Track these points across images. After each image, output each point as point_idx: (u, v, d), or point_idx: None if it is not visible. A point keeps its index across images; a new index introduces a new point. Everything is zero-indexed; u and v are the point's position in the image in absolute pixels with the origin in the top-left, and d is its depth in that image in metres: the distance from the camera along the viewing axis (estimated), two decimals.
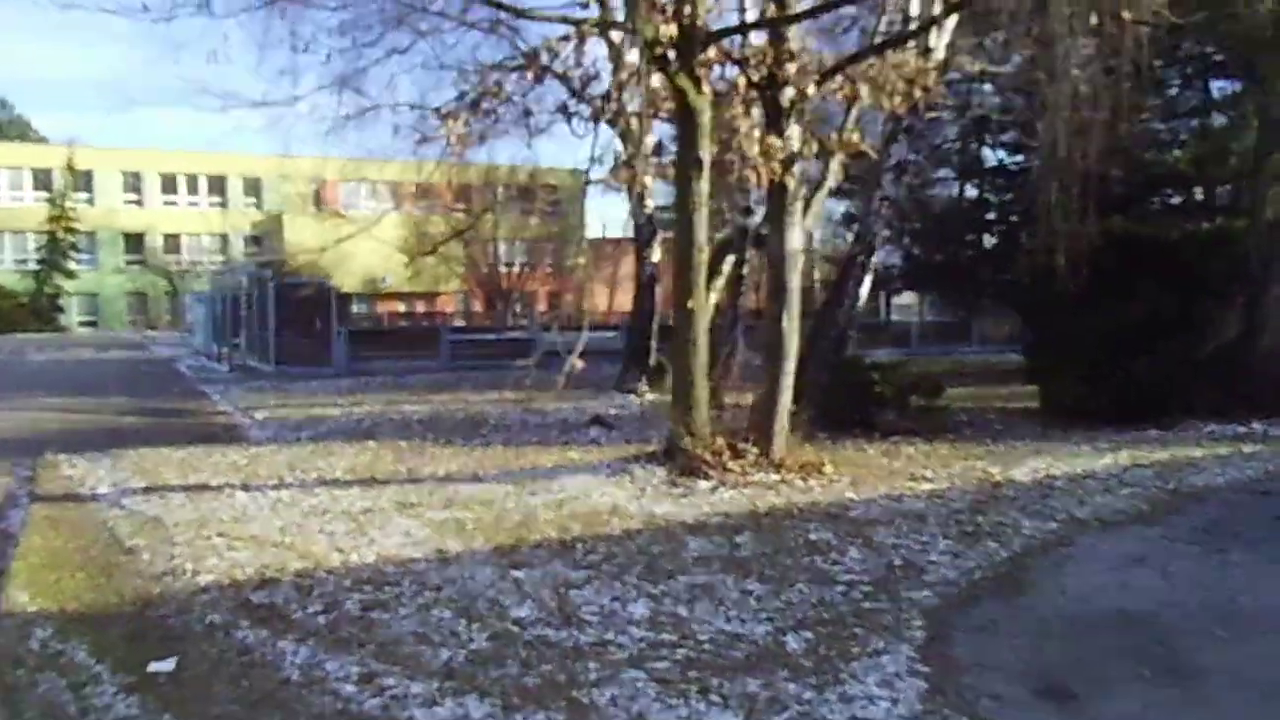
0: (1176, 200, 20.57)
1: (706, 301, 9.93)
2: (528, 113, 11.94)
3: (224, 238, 55.00)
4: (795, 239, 9.87)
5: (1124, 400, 13.09)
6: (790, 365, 10.07)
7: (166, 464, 12.39)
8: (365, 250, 42.02)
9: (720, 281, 17.89)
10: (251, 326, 28.10)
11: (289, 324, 26.94)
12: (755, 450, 9.97)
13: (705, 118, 9.31)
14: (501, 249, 46.39)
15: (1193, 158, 18.87)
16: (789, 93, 9.29)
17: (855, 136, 9.17)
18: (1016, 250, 14.74)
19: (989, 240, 24.47)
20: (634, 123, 17.58)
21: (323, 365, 26.22)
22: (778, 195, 9.57)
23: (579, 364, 10.26)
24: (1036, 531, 8.07)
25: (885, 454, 11.49)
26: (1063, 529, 8.18)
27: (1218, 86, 20.86)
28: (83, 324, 54.47)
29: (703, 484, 9.54)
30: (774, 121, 9.32)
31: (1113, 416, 12.99)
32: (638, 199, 18.07)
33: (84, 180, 53.76)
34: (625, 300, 57.74)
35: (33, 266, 53.32)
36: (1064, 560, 7.28)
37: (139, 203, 55.15)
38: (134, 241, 55.42)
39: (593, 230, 49.79)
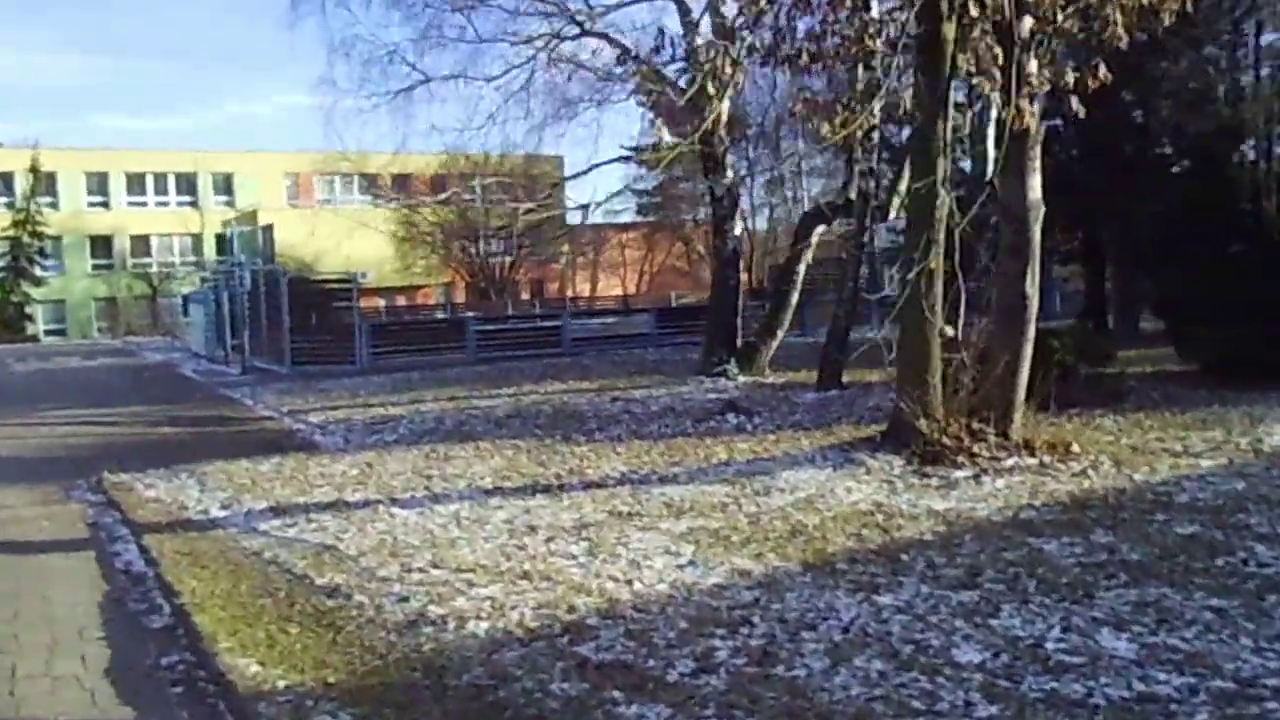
0: None
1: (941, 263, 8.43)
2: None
3: (196, 237, 52.29)
4: (1036, 187, 8.41)
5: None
6: (1032, 333, 8.62)
7: (263, 479, 10.71)
8: (343, 246, 40.11)
9: (809, 253, 16.52)
10: (258, 325, 26.05)
11: (301, 321, 25.00)
12: (992, 431, 8.54)
13: (948, 49, 7.84)
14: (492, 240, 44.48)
15: None
16: (1028, 22, 7.83)
17: (1104, 71, 7.73)
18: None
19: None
20: (710, 86, 16.08)
21: (342, 363, 24.30)
22: (1017, 140, 8.11)
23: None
24: None
25: (1099, 428, 10.10)
26: None
27: None
28: (49, 332, 51.45)
29: (959, 473, 8.09)
30: (1008, 56, 7.86)
31: (1266, 374, 11.80)
32: (717, 168, 16.56)
33: (47, 183, 50.67)
34: (609, 286, 56.35)
35: None
36: None
37: (105, 204, 52.16)
38: (101, 245, 52.38)
39: (570, 217, 47.98)
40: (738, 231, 16.82)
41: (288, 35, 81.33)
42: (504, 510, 8.25)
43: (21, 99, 77.05)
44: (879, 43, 7.56)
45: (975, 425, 8.52)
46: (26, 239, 50.48)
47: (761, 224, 52.58)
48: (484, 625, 5.47)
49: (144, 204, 52.46)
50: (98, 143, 55.27)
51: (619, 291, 54.13)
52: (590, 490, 8.81)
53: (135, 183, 52.43)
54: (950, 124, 8.30)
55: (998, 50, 7.44)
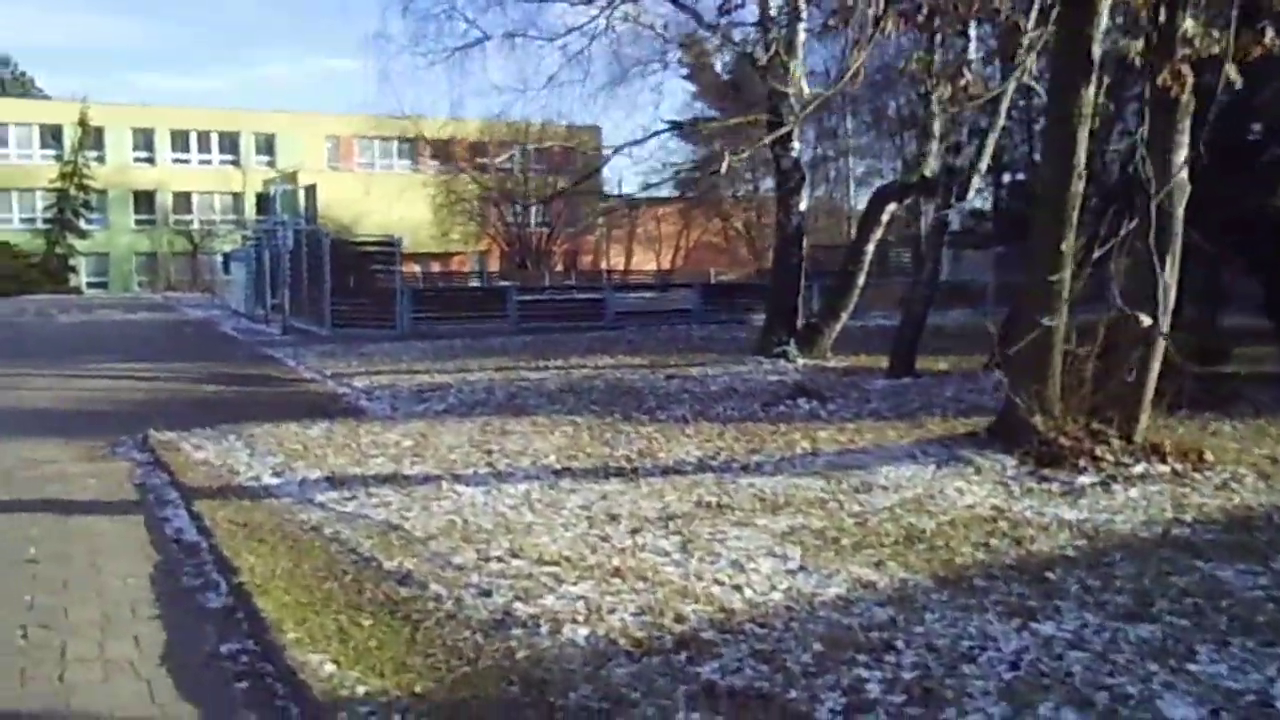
0: None
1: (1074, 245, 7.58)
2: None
3: (237, 196, 51.76)
4: (1182, 166, 7.52)
5: None
6: (1166, 327, 7.76)
7: (313, 445, 10.06)
8: (381, 210, 39.45)
9: (879, 232, 15.67)
10: (299, 286, 25.42)
11: (341, 284, 24.36)
12: (1114, 433, 7.71)
13: (1104, 3, 6.96)
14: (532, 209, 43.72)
15: None
16: None
17: (1271, 35, 6.85)
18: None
19: None
20: (785, 51, 15.22)
21: (382, 327, 23.66)
22: (1165, 112, 7.25)
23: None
24: None
25: (1219, 434, 9.20)
26: None
27: None
28: (91, 285, 51.18)
29: (1082, 478, 7.27)
30: (1164, 11, 6.99)
31: None
32: (784, 139, 15.69)
33: (94, 138, 50.21)
34: (644, 260, 55.43)
35: (42, 226, 49.90)
36: None
37: (150, 160, 51.66)
38: (145, 200, 51.94)
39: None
40: (804, 207, 15.95)
41: None
42: (578, 494, 7.51)
43: (63, 57, 76.54)
44: None
45: (1096, 426, 7.70)
46: (73, 191, 50.20)
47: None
48: (582, 631, 4.74)
49: (187, 161, 52.01)
50: (137, 100, 54.82)
51: (654, 266, 53.32)
52: (669, 476, 8.06)
53: (179, 140, 51.98)
54: (1094, 90, 7.40)
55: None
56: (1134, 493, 7.01)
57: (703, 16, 15.87)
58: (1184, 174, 7.52)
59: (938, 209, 13.01)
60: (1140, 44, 6.89)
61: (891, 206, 15.61)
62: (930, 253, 13.05)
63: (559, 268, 49.26)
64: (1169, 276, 7.57)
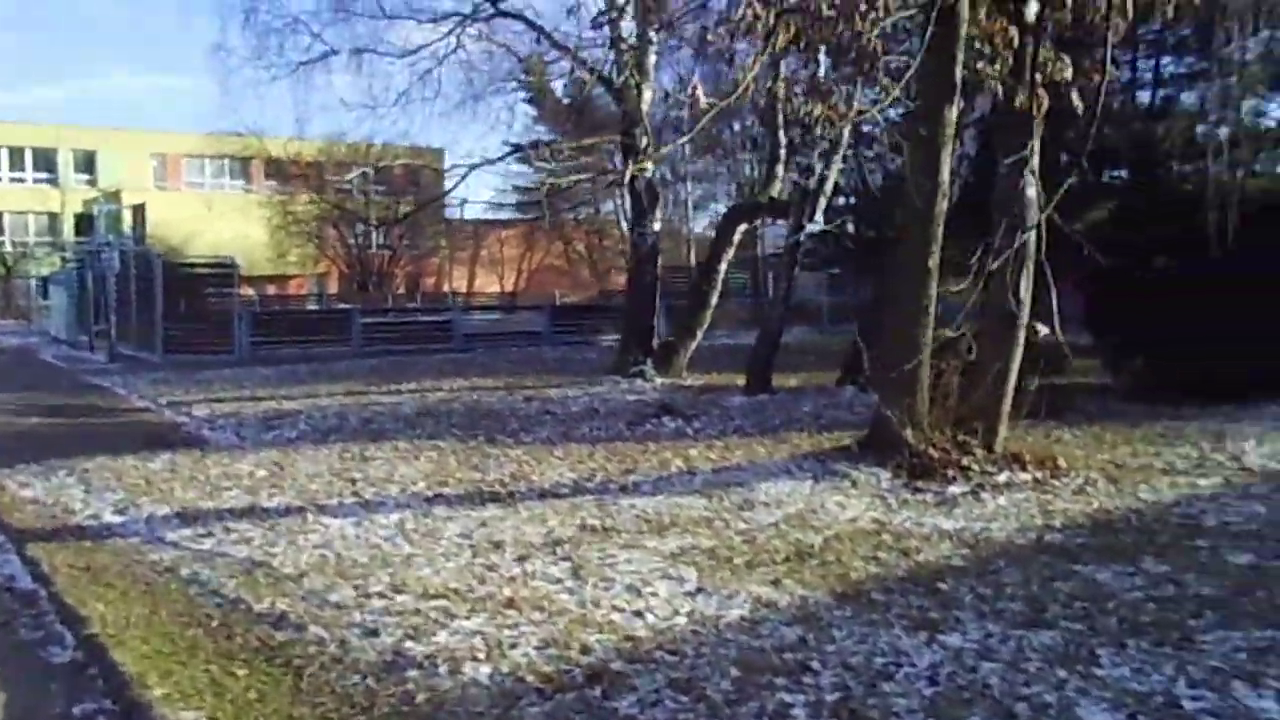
0: None
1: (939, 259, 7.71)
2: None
3: (54, 216, 48.37)
4: (1033, 184, 7.75)
5: (1209, 379, 11.70)
6: (1022, 340, 7.99)
7: (157, 478, 9.38)
8: (214, 231, 37.70)
9: (731, 251, 15.80)
10: (127, 310, 23.93)
11: (174, 308, 23.07)
12: (977, 443, 7.89)
13: (963, 28, 7.13)
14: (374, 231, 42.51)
15: None
16: (1033, 6, 7.21)
17: (1110, 65, 7.13)
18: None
19: None
20: (637, 72, 15.21)
21: (218, 353, 22.50)
22: (1016, 134, 7.45)
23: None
24: None
25: (1061, 441, 9.57)
26: None
27: None
28: None
29: (953, 488, 7.39)
30: (1020, 38, 7.22)
31: (1193, 394, 11.59)
32: (634, 158, 15.67)
33: None
34: (487, 283, 54.75)
35: None
36: None
37: None
38: None
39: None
40: (657, 227, 15.95)
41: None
42: (455, 522, 7.18)
43: None
44: (877, 16, 6.73)
45: (961, 437, 7.87)
46: None
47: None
48: (484, 669, 4.45)
49: None
50: None
51: (497, 288, 52.80)
52: (547, 500, 7.81)
53: None
54: (955, 114, 7.59)
55: (1012, 31, 6.79)
56: (1003, 500, 7.18)
57: (554, 37, 15.68)
58: (1034, 192, 7.78)
59: (790, 230, 13.18)
60: (997, 68, 7.09)
61: (742, 226, 15.78)
62: (785, 272, 13.21)
63: (401, 290, 48.10)
64: (1023, 292, 7.81)
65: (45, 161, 48.85)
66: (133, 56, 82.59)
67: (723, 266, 15.49)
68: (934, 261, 7.68)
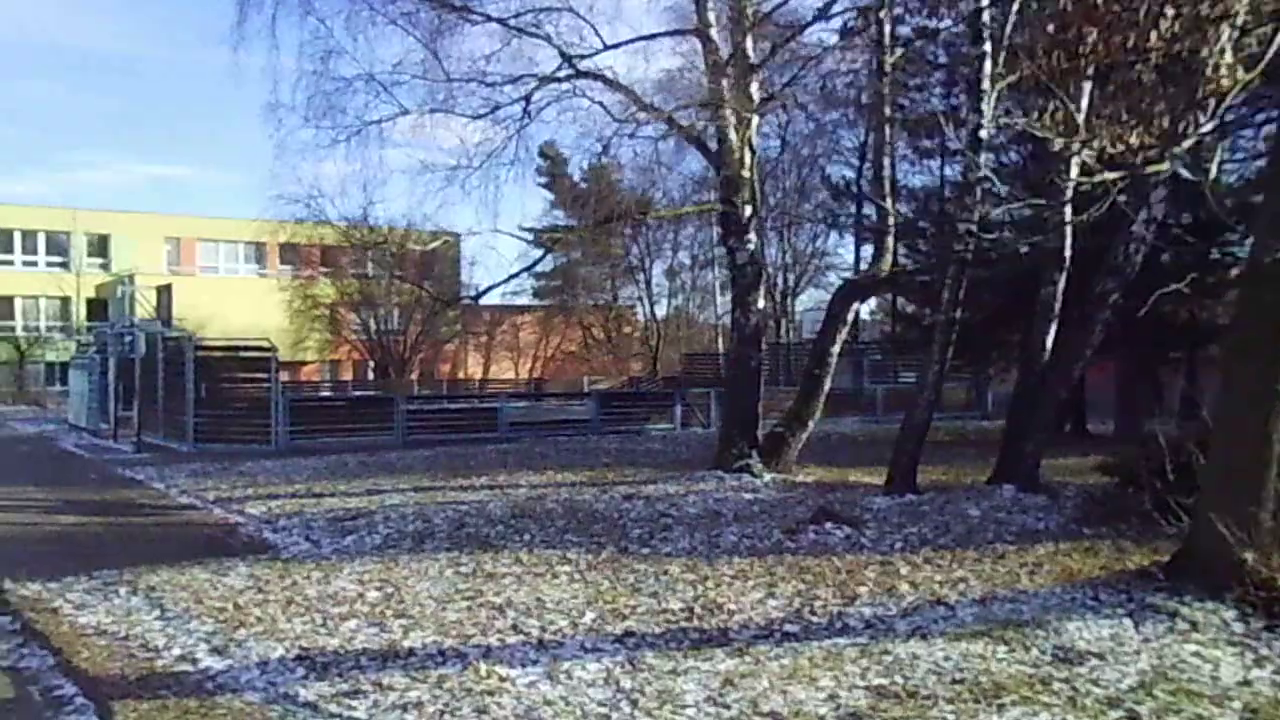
0: None
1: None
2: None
3: (65, 300, 46.60)
4: None
5: None
6: None
7: (244, 600, 7.61)
8: (232, 316, 36.09)
9: (844, 331, 14.16)
10: (152, 397, 22.06)
11: (205, 395, 21.24)
12: None
13: None
14: (394, 315, 40.95)
15: None
16: None
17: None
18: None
19: None
20: (735, 134, 13.71)
21: (253, 442, 20.61)
22: None
23: None
24: None
25: None
26: None
27: None
28: None
29: None
30: None
31: None
32: (739, 231, 14.12)
33: None
34: (502, 369, 53.07)
35: None
36: None
37: None
38: None
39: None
40: (761, 304, 14.27)
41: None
42: (686, 677, 5.32)
43: None
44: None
45: None
46: None
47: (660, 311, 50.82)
48: None
49: (10, 263, 46.69)
50: None
51: (512, 375, 51.18)
52: (779, 642, 5.96)
53: (1, 240, 46.76)
54: None
55: None
56: None
57: (641, 98, 14.22)
58: None
59: (948, 304, 11.50)
60: None
61: (856, 305, 14.19)
62: (939, 353, 11.47)
63: (417, 376, 46.43)
64: None
65: (57, 246, 47.27)
66: (130, 148, 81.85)
67: (836, 349, 13.81)
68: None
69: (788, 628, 6.27)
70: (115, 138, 76.33)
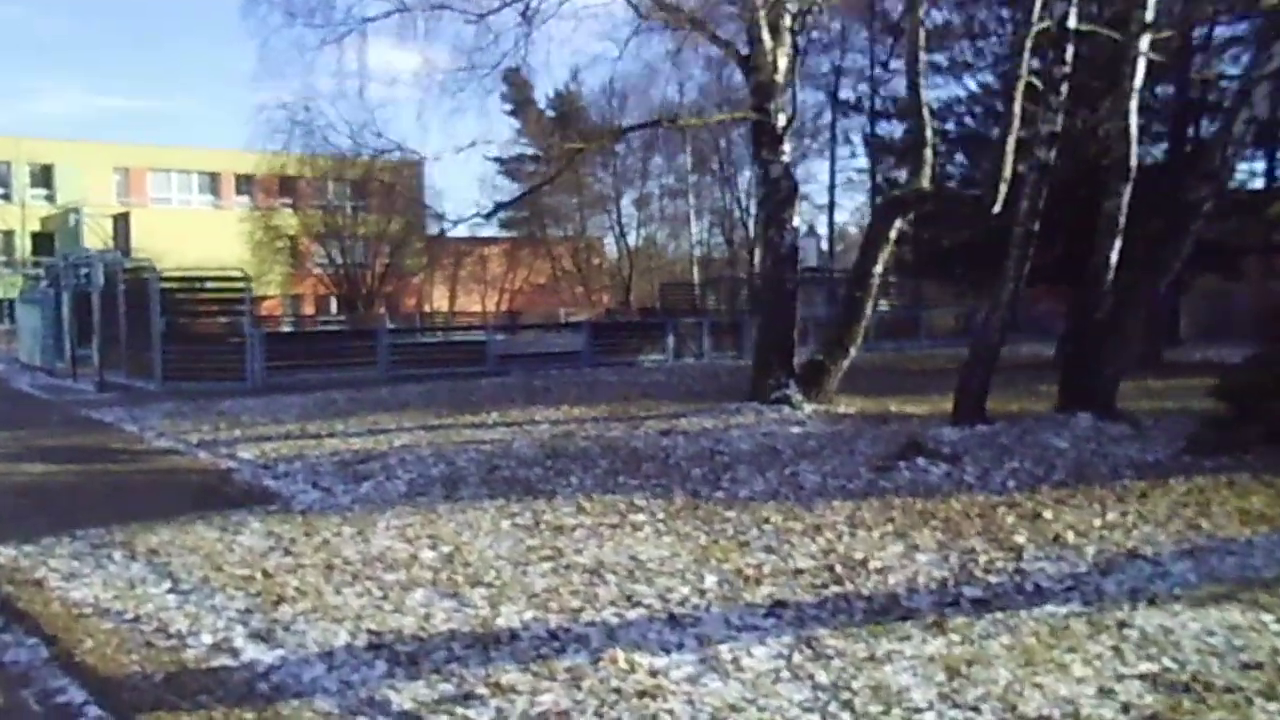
0: None
1: None
2: None
3: (8, 234, 43.86)
4: None
5: None
6: None
7: (272, 566, 6.31)
8: (190, 248, 34.03)
9: (887, 250, 12.97)
10: (115, 333, 20.32)
11: (169, 329, 19.55)
12: None
13: None
14: (359, 247, 39.07)
15: None
16: None
17: None
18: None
19: None
20: (768, 36, 12.31)
21: (227, 379, 19.08)
22: None
23: None
24: None
25: None
26: None
27: None
28: None
29: None
30: None
31: None
32: (772, 144, 12.76)
33: None
34: (468, 301, 51.34)
35: None
36: None
37: None
38: None
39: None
40: (796, 222, 12.97)
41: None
42: (896, 666, 4.13)
43: None
44: None
45: None
46: None
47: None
48: None
49: None
50: None
51: (479, 308, 49.64)
52: (987, 617, 4.77)
53: None
54: None
55: None
56: None
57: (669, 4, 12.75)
58: None
59: (1027, 216, 10.29)
60: None
61: (898, 222, 12.94)
62: (1014, 270, 10.28)
63: (382, 310, 44.72)
64: None
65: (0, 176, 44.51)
66: (86, 77, 77.84)
67: (878, 269, 12.59)
68: None
69: (968, 591, 5.11)
70: (62, 62, 72.44)
